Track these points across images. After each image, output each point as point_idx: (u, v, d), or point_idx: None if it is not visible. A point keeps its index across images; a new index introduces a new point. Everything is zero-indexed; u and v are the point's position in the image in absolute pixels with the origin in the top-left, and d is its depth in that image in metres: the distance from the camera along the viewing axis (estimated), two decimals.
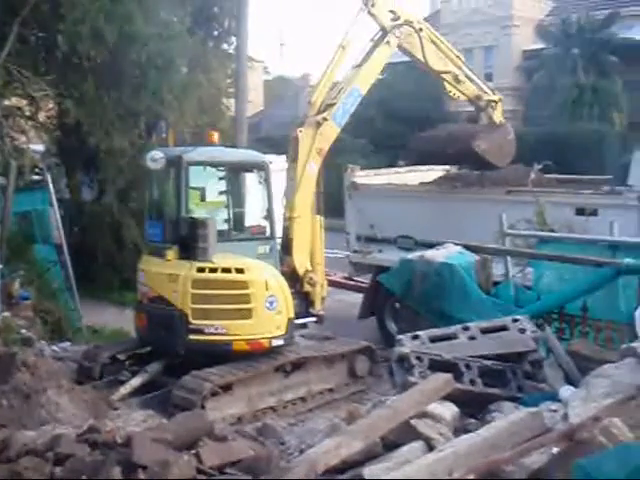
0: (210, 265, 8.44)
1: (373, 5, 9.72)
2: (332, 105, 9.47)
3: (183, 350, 8.47)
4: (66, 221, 13.55)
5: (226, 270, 8.48)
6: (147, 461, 4.45)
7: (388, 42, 9.89)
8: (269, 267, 8.86)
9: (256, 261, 8.79)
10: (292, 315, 8.90)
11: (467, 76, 10.85)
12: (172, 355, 8.70)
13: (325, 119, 9.38)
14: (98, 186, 15.31)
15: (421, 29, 10.21)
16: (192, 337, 8.39)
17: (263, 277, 8.64)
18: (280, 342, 8.75)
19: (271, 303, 8.61)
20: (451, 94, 10.89)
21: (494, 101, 11.01)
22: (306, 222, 9.42)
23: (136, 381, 8.70)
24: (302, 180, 9.32)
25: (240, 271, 8.52)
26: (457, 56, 10.80)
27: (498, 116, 11.06)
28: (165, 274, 8.64)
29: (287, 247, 9.38)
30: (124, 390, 8.54)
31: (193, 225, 8.51)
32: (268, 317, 8.61)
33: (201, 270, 8.44)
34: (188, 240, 8.51)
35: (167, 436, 4.94)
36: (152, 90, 13.72)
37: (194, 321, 8.39)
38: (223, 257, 8.53)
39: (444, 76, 10.64)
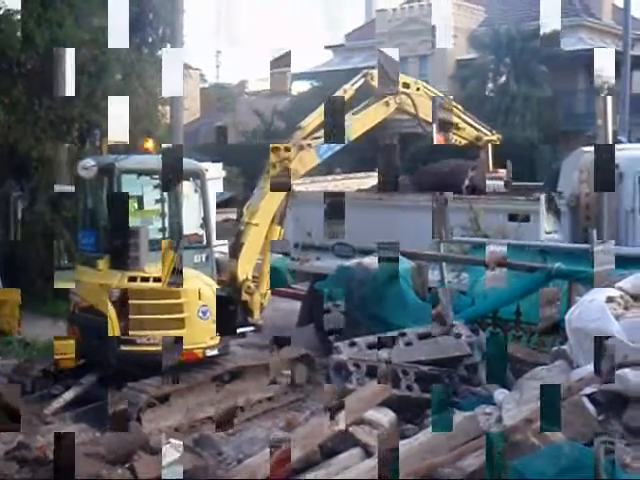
0: (142, 274, 8.33)
1: (372, 79, 10.28)
2: (319, 138, 9.61)
3: (116, 361, 8.31)
4: None
5: (158, 279, 8.34)
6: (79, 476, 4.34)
7: (387, 103, 10.40)
8: (202, 276, 8.77)
9: (189, 270, 8.64)
10: None
11: (465, 121, 11.51)
12: (105, 366, 8.51)
13: (309, 145, 9.60)
14: (30, 195, 14.89)
15: (418, 88, 10.80)
16: (124, 348, 8.24)
17: (196, 286, 8.55)
18: (214, 352, 8.67)
19: (204, 313, 8.52)
20: (455, 141, 11.44)
21: (493, 140, 11.71)
22: (262, 232, 9.41)
23: (69, 394, 8.47)
24: (270, 192, 9.34)
25: None
26: (454, 106, 11.41)
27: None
28: (97, 284, 8.48)
29: (235, 251, 9.31)
30: (57, 404, 8.32)
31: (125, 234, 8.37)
32: (202, 327, 8.51)
33: (132, 279, 8.31)
34: (119, 249, 8.37)
35: (100, 450, 4.83)
36: (85, 97, 13.45)
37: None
38: (155, 266, 8.40)
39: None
